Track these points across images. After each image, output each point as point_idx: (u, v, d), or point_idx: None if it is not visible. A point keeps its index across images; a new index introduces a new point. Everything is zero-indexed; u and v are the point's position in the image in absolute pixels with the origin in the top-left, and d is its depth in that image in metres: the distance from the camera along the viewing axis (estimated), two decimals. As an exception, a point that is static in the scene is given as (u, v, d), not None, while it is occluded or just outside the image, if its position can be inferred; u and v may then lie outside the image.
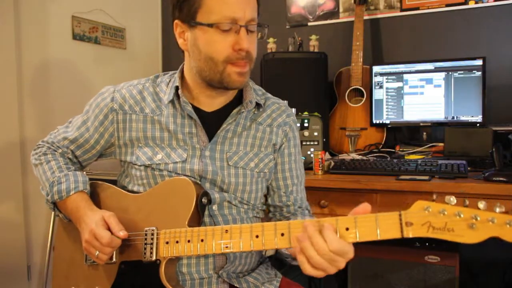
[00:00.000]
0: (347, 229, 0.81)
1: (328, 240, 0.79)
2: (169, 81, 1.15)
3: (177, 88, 1.09)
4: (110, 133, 1.14)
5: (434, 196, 0.77)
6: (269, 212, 1.24)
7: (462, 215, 0.73)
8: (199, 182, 1.07)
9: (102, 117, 1.13)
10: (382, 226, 0.79)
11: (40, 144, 1.23)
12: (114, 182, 1.21)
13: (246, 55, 1.01)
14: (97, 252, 1.00)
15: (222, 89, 1.07)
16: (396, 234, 0.78)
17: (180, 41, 1.07)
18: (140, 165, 1.09)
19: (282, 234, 0.87)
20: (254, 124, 1.15)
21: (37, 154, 1.20)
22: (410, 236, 0.77)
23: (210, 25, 0.98)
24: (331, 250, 0.79)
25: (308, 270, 0.82)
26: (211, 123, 1.11)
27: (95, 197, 1.13)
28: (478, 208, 0.73)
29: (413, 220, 0.77)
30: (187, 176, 1.06)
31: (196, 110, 1.11)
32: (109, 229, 1.00)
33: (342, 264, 0.81)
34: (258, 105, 1.15)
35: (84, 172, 1.95)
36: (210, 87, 1.07)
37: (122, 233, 1.00)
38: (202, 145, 1.10)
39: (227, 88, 1.06)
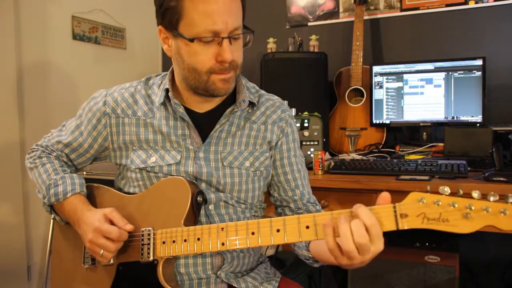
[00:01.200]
0: None
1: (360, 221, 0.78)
2: (161, 83, 1.14)
3: (167, 90, 1.09)
4: (103, 137, 1.14)
5: (428, 187, 0.76)
6: (276, 208, 1.22)
7: (456, 205, 0.73)
8: (195, 182, 1.07)
9: (95, 121, 1.13)
10: (377, 219, 0.78)
11: (34, 148, 1.22)
12: (113, 183, 1.21)
13: (230, 65, 0.99)
14: (102, 251, 1.00)
15: (208, 96, 1.06)
16: (391, 227, 0.77)
17: (165, 47, 1.06)
18: (135, 168, 1.09)
19: (278, 230, 0.87)
20: (248, 123, 1.13)
21: (32, 157, 1.19)
22: (406, 227, 0.76)
23: (191, 40, 0.96)
24: (366, 224, 0.77)
25: (330, 243, 0.80)
26: (204, 124, 1.10)
27: (91, 200, 1.13)
28: (472, 198, 0.72)
29: (407, 211, 0.76)
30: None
31: (189, 111, 1.10)
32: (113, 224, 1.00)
33: (367, 255, 0.78)
34: (251, 104, 1.14)
35: (84, 173, 1.98)
36: (196, 94, 1.07)
37: (129, 226, 1.00)
38: (196, 146, 1.09)
39: (213, 95, 1.05)
